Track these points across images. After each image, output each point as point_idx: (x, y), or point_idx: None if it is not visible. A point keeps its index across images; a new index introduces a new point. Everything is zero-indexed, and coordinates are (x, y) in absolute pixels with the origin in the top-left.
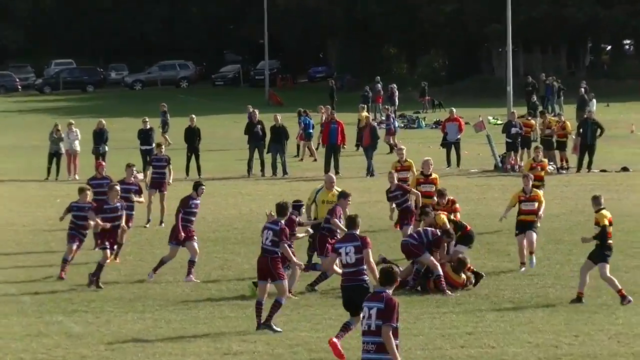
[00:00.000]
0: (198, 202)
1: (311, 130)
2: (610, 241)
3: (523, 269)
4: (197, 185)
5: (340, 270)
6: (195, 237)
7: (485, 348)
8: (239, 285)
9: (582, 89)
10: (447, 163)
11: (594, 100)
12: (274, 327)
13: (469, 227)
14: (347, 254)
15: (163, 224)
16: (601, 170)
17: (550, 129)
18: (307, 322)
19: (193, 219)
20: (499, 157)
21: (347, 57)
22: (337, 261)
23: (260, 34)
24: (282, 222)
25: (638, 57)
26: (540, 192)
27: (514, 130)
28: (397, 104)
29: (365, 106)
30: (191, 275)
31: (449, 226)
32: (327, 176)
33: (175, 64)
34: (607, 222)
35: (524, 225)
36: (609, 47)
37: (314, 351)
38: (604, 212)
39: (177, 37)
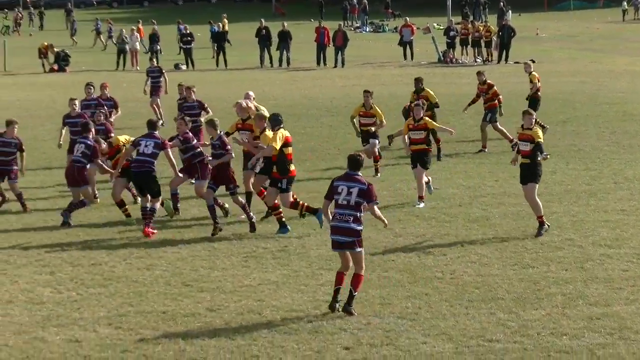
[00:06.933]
0: None
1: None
2: None
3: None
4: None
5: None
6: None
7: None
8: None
9: (501, 3)
10: (403, 57)
11: (510, 12)
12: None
13: None
14: None
15: None
16: (515, 62)
17: (478, 32)
18: None
19: None
20: (441, 52)
21: None
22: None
23: None
24: None
25: None
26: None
27: (452, 33)
28: (368, 14)
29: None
30: None
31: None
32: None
33: None
34: None
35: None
36: None
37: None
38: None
39: None
